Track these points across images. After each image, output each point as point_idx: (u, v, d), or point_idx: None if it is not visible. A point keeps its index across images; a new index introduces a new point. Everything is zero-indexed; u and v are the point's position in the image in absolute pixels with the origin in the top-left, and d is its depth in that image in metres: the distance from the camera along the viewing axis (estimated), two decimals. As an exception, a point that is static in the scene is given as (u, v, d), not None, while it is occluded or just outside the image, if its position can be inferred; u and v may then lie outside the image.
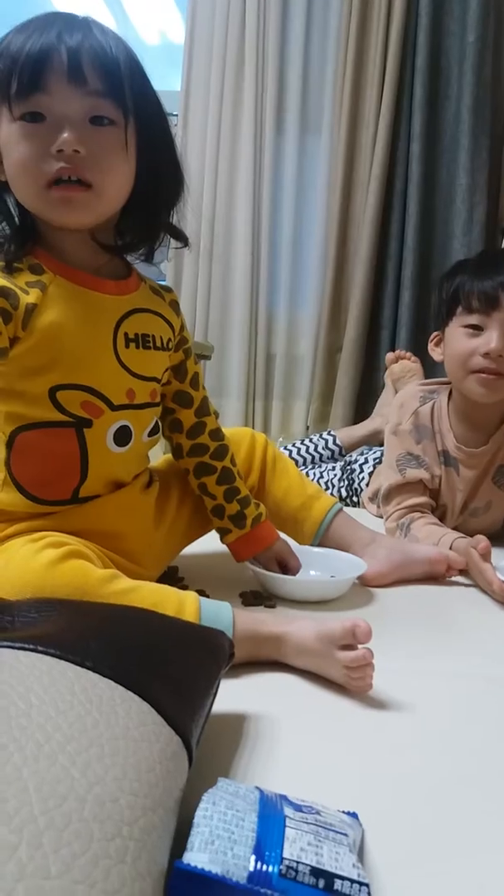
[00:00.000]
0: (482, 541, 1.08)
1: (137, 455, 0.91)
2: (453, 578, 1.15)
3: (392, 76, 2.67)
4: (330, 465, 1.78)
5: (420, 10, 2.66)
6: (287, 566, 1.03)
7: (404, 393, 1.40)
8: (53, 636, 0.46)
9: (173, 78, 3.08)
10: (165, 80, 3.43)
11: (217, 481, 1.00)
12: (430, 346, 1.31)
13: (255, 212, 2.89)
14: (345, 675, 0.70)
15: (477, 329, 1.18)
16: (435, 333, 1.30)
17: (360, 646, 0.70)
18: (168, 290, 0.96)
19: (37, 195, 0.76)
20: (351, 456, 1.78)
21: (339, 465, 1.77)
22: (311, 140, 2.92)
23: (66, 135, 0.72)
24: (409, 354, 2.05)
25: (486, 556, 1.06)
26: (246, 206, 2.88)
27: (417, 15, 2.67)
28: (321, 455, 1.85)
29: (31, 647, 0.43)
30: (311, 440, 1.91)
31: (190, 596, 0.75)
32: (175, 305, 0.96)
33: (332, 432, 1.97)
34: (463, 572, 1.14)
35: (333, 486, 1.72)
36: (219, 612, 0.74)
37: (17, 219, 0.82)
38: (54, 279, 0.80)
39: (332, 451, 1.87)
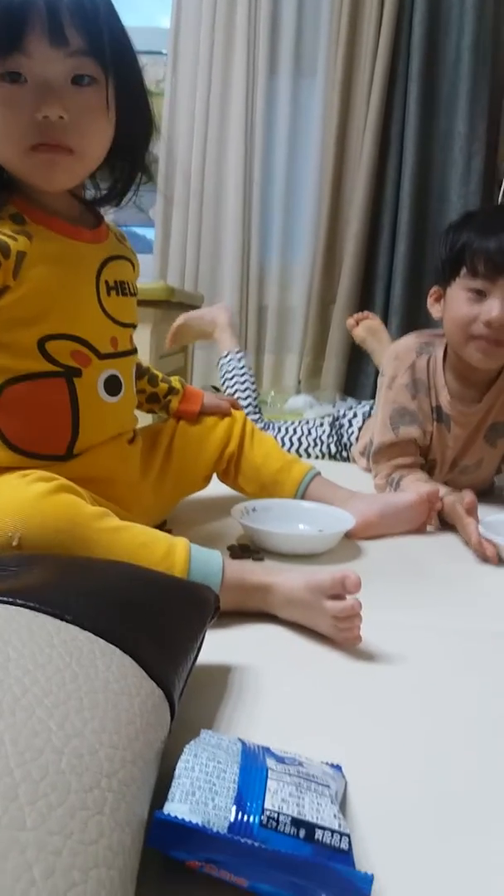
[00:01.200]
0: (468, 495, 1.09)
1: (129, 404, 0.93)
2: (438, 530, 1.16)
3: (390, 15, 2.58)
4: (318, 421, 1.76)
5: None
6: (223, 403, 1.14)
7: (400, 344, 1.35)
8: (34, 589, 0.45)
9: (162, 14, 2.96)
10: (153, 17, 3.29)
11: (137, 375, 0.98)
12: (430, 300, 1.27)
13: (247, 158, 2.82)
14: (333, 626, 0.70)
15: (480, 294, 1.14)
16: (435, 289, 1.26)
17: (348, 596, 0.70)
18: (123, 234, 0.96)
19: (20, 158, 0.74)
20: (339, 410, 1.76)
21: (327, 420, 1.75)
22: (306, 83, 2.82)
23: (49, 100, 0.70)
24: (366, 314, 2.01)
25: (470, 511, 1.07)
26: (237, 151, 2.80)
27: (418, -50, 2.56)
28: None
29: (10, 599, 0.43)
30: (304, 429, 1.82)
31: (180, 541, 0.74)
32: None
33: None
34: (445, 522, 1.15)
35: (322, 441, 1.71)
36: (209, 559, 0.74)
37: None
38: (38, 229, 0.79)
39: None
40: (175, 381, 1.13)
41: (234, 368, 1.84)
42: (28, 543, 0.67)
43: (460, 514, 1.08)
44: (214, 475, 1.15)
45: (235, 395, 1.76)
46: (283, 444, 1.70)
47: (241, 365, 1.85)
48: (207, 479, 1.14)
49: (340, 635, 0.70)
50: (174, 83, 2.83)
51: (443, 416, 1.28)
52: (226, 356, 1.86)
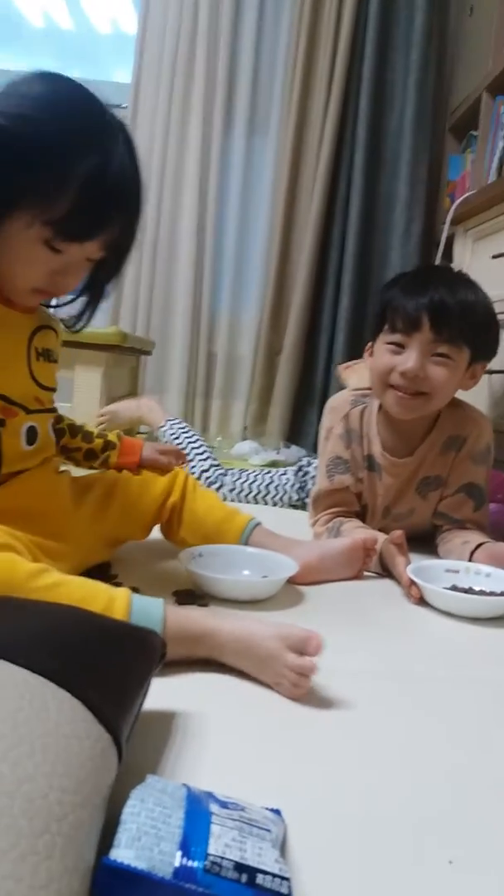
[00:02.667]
0: (396, 532, 1.15)
1: (43, 451, 0.97)
2: (374, 573, 1.20)
3: (339, 84, 2.73)
4: (282, 470, 1.80)
5: (368, 23, 2.72)
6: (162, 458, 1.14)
7: (337, 397, 1.42)
8: (-15, 633, 0.46)
9: (123, 69, 3.05)
10: (115, 72, 3.39)
11: (71, 434, 1.11)
12: (365, 355, 1.35)
13: (201, 210, 2.90)
14: (282, 678, 0.71)
15: (399, 347, 1.21)
16: (369, 344, 1.34)
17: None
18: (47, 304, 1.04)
19: (22, 291, 0.86)
20: (303, 460, 1.80)
21: (291, 469, 1.79)
22: (259, 141, 2.94)
23: (70, 279, 0.87)
24: (353, 363, 2.09)
25: (399, 546, 1.14)
26: (192, 203, 2.88)
27: (365, 27, 2.73)
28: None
29: (-38, 643, 0.43)
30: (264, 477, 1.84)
31: (120, 592, 0.74)
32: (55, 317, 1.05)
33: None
34: (385, 569, 1.19)
35: (285, 491, 1.74)
36: (149, 609, 0.73)
37: None
38: None
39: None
40: (112, 435, 1.15)
41: (176, 430, 1.90)
42: None
43: (392, 553, 1.14)
44: (157, 529, 1.17)
45: (189, 450, 1.80)
46: (246, 491, 1.73)
47: (182, 425, 1.92)
48: (148, 530, 1.15)
49: (288, 689, 0.71)
50: (133, 134, 2.90)
51: (374, 465, 1.33)
52: (163, 426, 1.93)
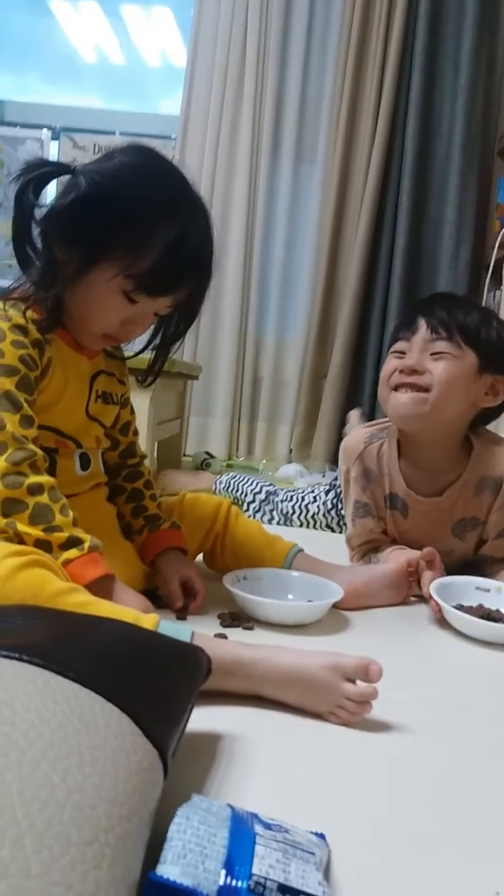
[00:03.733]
0: (429, 549, 1.15)
1: (95, 477, 1.03)
2: (420, 598, 1.17)
3: (386, 111, 2.75)
4: (323, 489, 1.80)
5: (415, 48, 2.75)
6: (190, 587, 1.02)
7: (348, 439, 1.36)
8: (38, 645, 0.47)
9: (173, 101, 3.14)
10: (164, 104, 3.48)
11: (126, 500, 1.11)
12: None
13: (248, 236, 2.94)
14: (335, 707, 0.71)
15: (402, 353, 1.20)
16: None
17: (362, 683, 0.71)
18: (120, 352, 1.12)
19: (93, 335, 0.96)
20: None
21: (330, 493, 1.79)
22: (306, 169, 2.98)
23: (137, 328, 0.96)
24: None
25: (430, 564, 1.14)
26: (239, 229, 2.93)
27: (412, 53, 2.75)
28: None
29: (17, 655, 0.44)
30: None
31: (148, 616, 0.73)
32: (124, 363, 1.12)
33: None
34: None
35: (327, 511, 1.74)
36: (176, 635, 0.71)
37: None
38: (56, 339, 0.94)
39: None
40: (160, 523, 1.09)
41: (226, 480, 1.96)
42: None
43: (422, 568, 1.14)
44: (200, 558, 1.18)
45: (244, 492, 1.85)
46: (298, 511, 1.75)
47: (231, 475, 1.97)
48: (191, 558, 1.15)
49: (342, 718, 0.71)
50: (181, 165, 2.98)
51: (398, 503, 1.27)
52: (215, 488, 1.98)
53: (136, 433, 1.16)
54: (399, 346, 1.22)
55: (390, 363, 1.22)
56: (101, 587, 0.82)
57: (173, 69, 3.52)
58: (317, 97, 2.94)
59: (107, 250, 0.87)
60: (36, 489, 0.82)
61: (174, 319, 1.01)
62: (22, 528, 0.81)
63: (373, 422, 1.39)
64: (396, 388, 1.20)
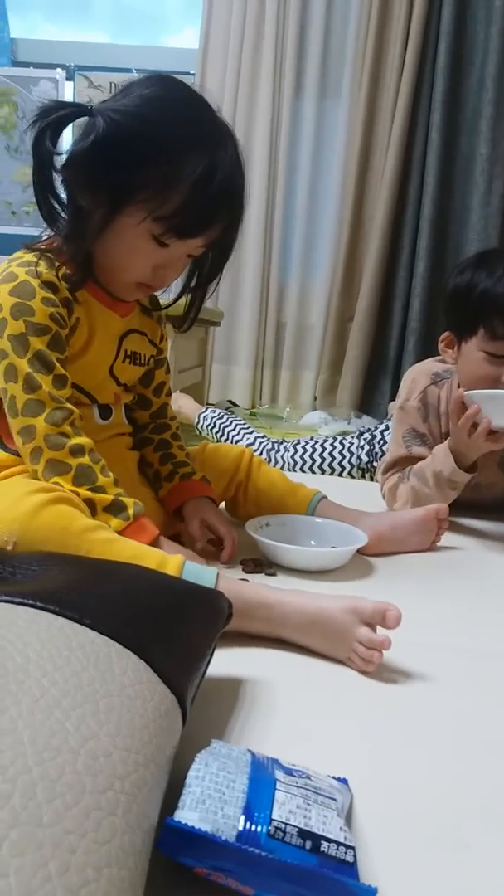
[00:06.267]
0: (443, 507, 1.14)
1: (116, 427, 1.02)
2: (447, 545, 1.17)
3: (415, 40, 2.61)
4: (347, 436, 1.78)
5: (448, -28, 2.58)
6: (216, 532, 1.01)
7: (417, 368, 1.37)
8: (53, 592, 0.46)
9: (191, 35, 3.02)
10: (183, 37, 3.35)
11: (154, 449, 1.09)
12: (441, 346, 1.26)
13: (271, 176, 2.85)
14: (351, 652, 0.70)
15: (499, 358, 1.13)
16: (447, 334, 1.25)
17: (381, 630, 0.71)
18: (157, 306, 1.07)
19: (126, 285, 0.92)
20: (374, 427, 1.77)
21: (355, 435, 1.77)
22: (330, 104, 2.86)
23: (171, 272, 0.92)
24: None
25: (441, 519, 1.14)
26: (261, 170, 2.83)
27: (445, -24, 2.59)
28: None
29: (31, 602, 0.44)
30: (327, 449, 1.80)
31: (173, 557, 0.74)
32: (161, 320, 1.08)
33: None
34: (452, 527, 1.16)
35: (352, 453, 1.71)
36: (202, 576, 0.73)
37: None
38: (87, 297, 0.91)
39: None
40: (187, 468, 1.09)
41: (211, 419, 1.94)
42: (23, 549, 0.71)
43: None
44: (223, 507, 1.17)
45: (227, 436, 1.83)
46: (309, 462, 1.72)
47: (216, 413, 1.96)
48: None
49: (357, 665, 0.70)
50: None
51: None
52: (197, 422, 1.96)
53: (169, 394, 1.13)
54: (498, 348, 1.13)
55: (488, 367, 1.14)
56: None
57: (191, 1, 3.37)
58: (342, 27, 2.80)
59: (132, 193, 0.82)
60: (77, 450, 0.83)
61: (208, 258, 0.96)
62: (68, 488, 0.81)
63: (442, 359, 1.33)
64: None
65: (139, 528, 0.83)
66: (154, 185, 0.81)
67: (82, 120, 0.84)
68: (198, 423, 1.97)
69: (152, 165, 0.81)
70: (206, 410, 2.00)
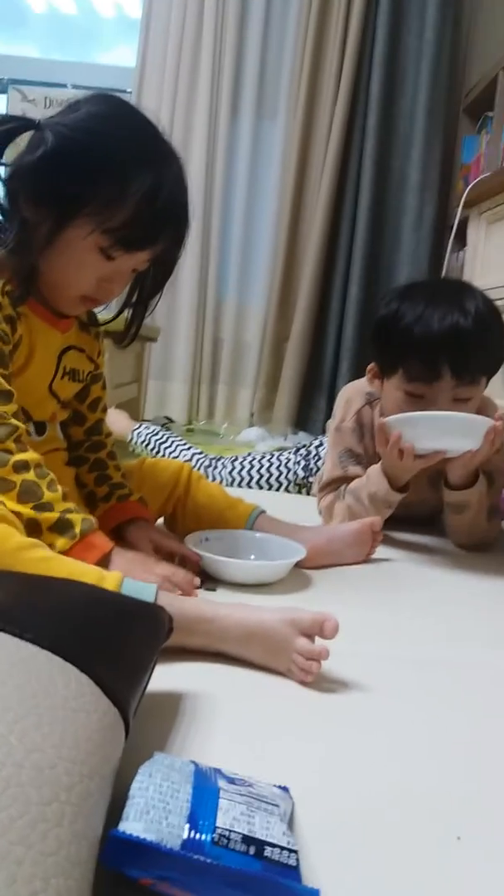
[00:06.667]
0: (377, 519, 1.17)
1: (51, 442, 1.01)
2: (381, 557, 1.20)
3: (350, 67, 2.69)
4: (283, 453, 1.80)
5: (380, 3, 2.68)
6: (170, 551, 1.01)
7: (351, 388, 1.40)
8: (-7, 607, 0.46)
9: (128, 53, 3.03)
10: (115, 54, 3.35)
11: (89, 469, 1.08)
12: (369, 376, 1.30)
13: (207, 194, 2.88)
14: (290, 663, 0.71)
15: (417, 397, 1.17)
16: (372, 365, 1.28)
17: (318, 640, 0.71)
18: (95, 322, 1.07)
19: (71, 299, 0.93)
20: (310, 443, 1.79)
21: (292, 451, 1.79)
22: (267, 126, 2.92)
23: (116, 286, 0.93)
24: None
25: (375, 532, 1.17)
26: (198, 188, 2.86)
27: (377, 8, 2.70)
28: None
29: (-30, 617, 0.43)
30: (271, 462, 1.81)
31: (111, 573, 0.73)
32: (98, 336, 1.08)
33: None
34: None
35: (289, 469, 1.73)
36: (141, 592, 0.72)
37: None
38: (28, 313, 0.91)
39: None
40: (123, 491, 1.08)
41: (145, 436, 1.95)
42: None
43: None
44: (161, 522, 1.17)
45: (163, 451, 1.84)
46: (247, 478, 1.74)
47: (150, 429, 1.97)
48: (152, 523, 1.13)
49: (296, 674, 0.71)
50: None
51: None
52: (130, 437, 1.97)
53: (104, 410, 1.13)
54: (416, 389, 1.17)
55: (406, 407, 1.16)
56: (101, 565, 0.80)
57: (128, 20, 3.38)
58: (278, 50, 2.86)
59: (80, 206, 0.83)
60: (21, 466, 0.82)
61: (149, 275, 0.98)
62: (11, 506, 0.79)
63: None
64: None
65: (86, 546, 0.82)
66: (102, 198, 0.83)
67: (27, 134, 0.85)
68: (131, 439, 1.96)
69: (101, 179, 0.82)
70: (139, 427, 1.99)
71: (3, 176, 0.84)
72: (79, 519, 0.83)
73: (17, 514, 0.79)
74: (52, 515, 0.81)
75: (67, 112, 0.86)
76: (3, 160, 0.84)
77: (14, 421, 0.84)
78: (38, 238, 0.85)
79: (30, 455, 0.83)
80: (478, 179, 2.04)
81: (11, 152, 0.86)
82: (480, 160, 2.42)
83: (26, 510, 0.80)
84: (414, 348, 1.14)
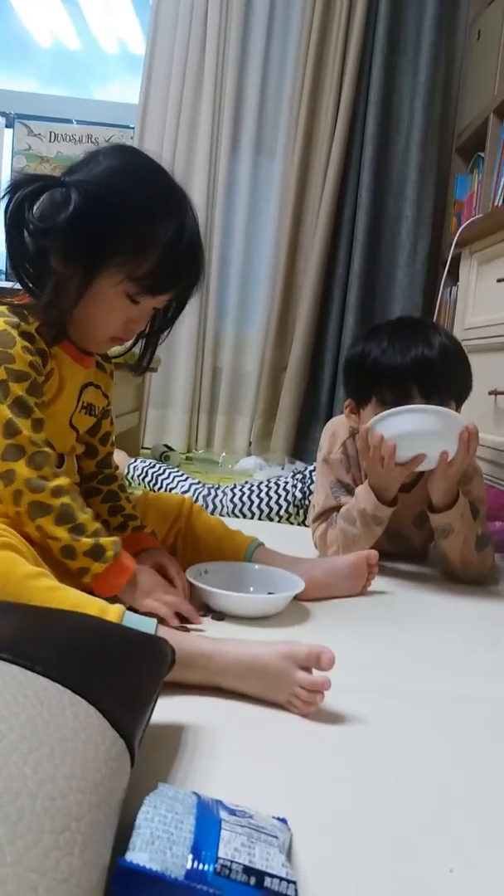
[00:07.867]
0: (373, 552, 1.20)
1: (67, 475, 1.01)
2: (378, 590, 1.21)
3: (346, 108, 2.77)
4: (278, 478, 1.82)
5: (375, 47, 2.77)
6: (166, 574, 1.03)
7: (336, 422, 1.43)
8: (5, 641, 0.47)
9: (130, 87, 3.10)
10: (123, 92, 3.44)
11: (102, 500, 1.11)
12: (346, 412, 1.35)
13: (208, 228, 2.93)
14: (292, 696, 0.72)
15: None
16: (348, 401, 1.33)
17: (317, 672, 0.73)
18: (107, 359, 1.12)
19: (101, 340, 0.97)
20: (305, 468, 1.82)
21: (288, 476, 1.81)
22: (265, 163, 2.99)
23: (139, 325, 0.98)
24: None
25: (372, 565, 1.19)
26: (199, 222, 2.91)
27: (372, 51, 2.78)
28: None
29: (-16, 650, 0.45)
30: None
31: (113, 606, 0.75)
32: (111, 374, 1.13)
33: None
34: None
35: (287, 492, 1.76)
36: (140, 625, 0.73)
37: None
38: (57, 349, 0.95)
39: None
40: (136, 522, 1.11)
41: (142, 468, 1.97)
42: None
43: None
44: None
45: (160, 483, 1.87)
46: (248, 503, 1.76)
47: (146, 462, 1.99)
48: None
49: (299, 708, 0.72)
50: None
51: None
52: (132, 462, 1.99)
53: (113, 444, 1.16)
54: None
55: None
56: (130, 584, 0.91)
57: (132, 56, 3.47)
58: (277, 91, 2.95)
59: (109, 259, 0.88)
60: (58, 491, 0.87)
61: (164, 309, 1.02)
62: (50, 530, 0.85)
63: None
64: None
65: (119, 568, 0.89)
66: (129, 249, 0.88)
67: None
68: (128, 473, 1.98)
69: (127, 232, 0.87)
70: (135, 461, 2.01)
71: (31, 233, 0.87)
72: (109, 543, 0.89)
73: (55, 538, 0.86)
74: (88, 542, 0.87)
75: (88, 167, 0.90)
76: (30, 216, 0.86)
77: (46, 448, 0.88)
78: (71, 290, 0.89)
79: (63, 480, 0.88)
80: (469, 221, 2.09)
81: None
82: (473, 198, 2.48)
83: (64, 535, 0.86)
84: (383, 374, 1.22)
